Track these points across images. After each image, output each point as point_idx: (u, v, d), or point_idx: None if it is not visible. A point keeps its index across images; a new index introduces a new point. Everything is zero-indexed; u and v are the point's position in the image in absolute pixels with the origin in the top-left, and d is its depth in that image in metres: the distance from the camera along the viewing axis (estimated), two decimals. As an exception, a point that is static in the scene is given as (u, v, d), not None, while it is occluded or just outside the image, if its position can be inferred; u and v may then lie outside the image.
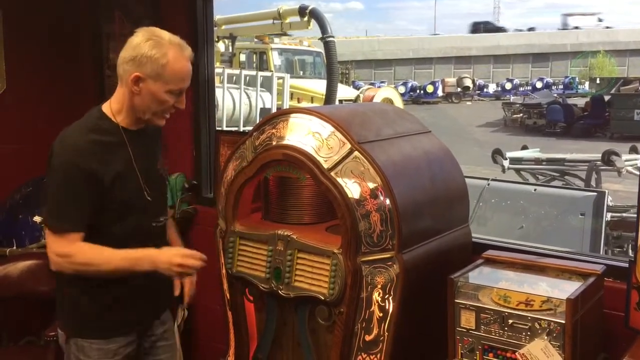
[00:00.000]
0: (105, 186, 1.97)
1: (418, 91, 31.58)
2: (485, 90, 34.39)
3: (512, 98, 27.89)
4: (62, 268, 1.99)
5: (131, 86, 1.97)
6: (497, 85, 34.91)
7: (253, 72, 12.31)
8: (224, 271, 2.37)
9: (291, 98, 13.35)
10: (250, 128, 2.34)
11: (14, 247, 3.35)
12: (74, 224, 1.97)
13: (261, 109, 11.58)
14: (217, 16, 12.62)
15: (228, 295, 2.39)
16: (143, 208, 2.08)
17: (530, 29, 50.56)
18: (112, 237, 2.01)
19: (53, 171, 1.98)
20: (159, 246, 2.08)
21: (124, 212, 2.04)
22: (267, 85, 11.95)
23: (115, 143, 2.02)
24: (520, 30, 50.80)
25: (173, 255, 2.01)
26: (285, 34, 14.71)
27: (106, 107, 2.06)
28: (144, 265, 2.00)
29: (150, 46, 1.94)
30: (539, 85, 33.30)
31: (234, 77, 11.77)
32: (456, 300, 1.92)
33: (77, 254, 1.96)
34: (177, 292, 2.20)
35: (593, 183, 6.65)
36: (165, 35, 1.99)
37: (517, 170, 7.25)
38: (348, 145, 2.02)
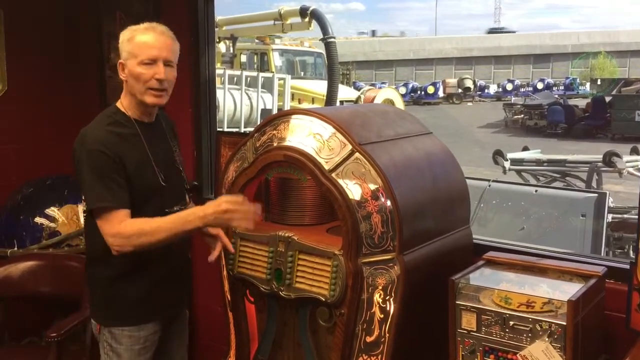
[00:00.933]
0: (128, 173, 2.05)
1: (419, 92, 31.58)
2: (486, 91, 34.38)
3: (513, 99, 27.86)
4: (121, 248, 2.02)
5: (120, 75, 2.11)
6: (498, 86, 34.91)
7: (254, 73, 12.30)
8: (225, 272, 2.37)
9: (292, 99, 13.34)
10: (251, 129, 2.35)
11: (15, 248, 3.35)
12: (116, 201, 2.02)
13: (262, 110, 11.57)
14: (218, 17, 12.63)
15: (229, 296, 2.39)
16: (160, 195, 2.15)
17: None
18: None
19: (80, 163, 2.04)
20: None
21: (143, 198, 2.10)
22: (268, 86, 11.95)
23: (130, 134, 2.12)
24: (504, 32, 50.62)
25: (218, 204, 2.02)
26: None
27: (119, 103, 2.17)
28: (195, 222, 2.03)
29: (123, 34, 2.12)
30: (540, 86, 33.30)
31: (235, 78, 11.76)
32: (457, 302, 1.92)
33: (126, 228, 2.00)
34: (214, 256, 2.22)
35: (594, 184, 6.66)
36: (144, 23, 2.13)
37: (518, 172, 7.25)
38: (349, 147, 2.02)
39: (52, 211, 3.43)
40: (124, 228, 2.01)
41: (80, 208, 3.45)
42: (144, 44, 2.08)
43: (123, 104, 2.16)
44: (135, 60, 2.07)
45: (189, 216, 2.04)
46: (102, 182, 2.01)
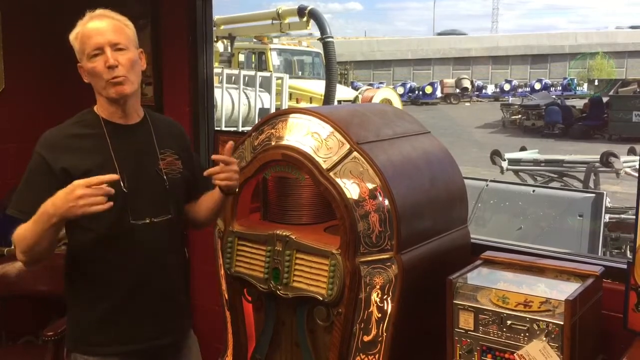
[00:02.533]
0: (71, 178, 1.78)
1: (417, 92, 31.57)
2: (483, 91, 34.39)
3: (511, 99, 27.88)
4: (19, 258, 1.88)
5: (84, 79, 1.98)
6: (496, 87, 34.93)
7: (252, 73, 12.30)
8: (222, 271, 2.37)
9: (290, 98, 13.34)
10: (249, 128, 2.34)
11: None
12: (25, 212, 1.82)
13: (260, 109, 11.58)
14: (216, 16, 12.62)
15: (226, 295, 2.39)
16: (120, 203, 1.85)
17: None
18: (88, 234, 1.89)
19: (30, 162, 1.94)
20: (148, 252, 1.93)
21: None
22: (266, 85, 11.95)
23: (93, 134, 1.93)
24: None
25: (70, 190, 1.69)
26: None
27: (95, 106, 2.03)
28: (46, 217, 1.73)
29: (71, 34, 1.96)
30: (537, 86, 33.32)
31: (233, 77, 11.76)
32: (455, 301, 1.92)
33: (14, 237, 1.86)
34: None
35: (591, 184, 6.67)
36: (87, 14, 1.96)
37: (516, 172, 7.26)
38: (347, 146, 2.02)
39: (50, 210, 3.41)
40: (14, 237, 1.85)
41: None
42: (86, 37, 1.90)
43: (97, 106, 2.01)
44: (85, 57, 1.90)
45: (43, 214, 1.74)
46: (26, 189, 1.90)
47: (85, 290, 1.95)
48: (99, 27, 1.90)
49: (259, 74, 12.17)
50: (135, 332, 1.97)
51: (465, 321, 1.90)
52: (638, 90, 21.25)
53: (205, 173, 1.97)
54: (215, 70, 9.54)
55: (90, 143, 1.92)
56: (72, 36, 1.94)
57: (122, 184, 1.87)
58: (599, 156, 6.83)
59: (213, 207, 2.08)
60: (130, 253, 1.91)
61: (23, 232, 1.82)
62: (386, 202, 1.94)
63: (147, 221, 1.94)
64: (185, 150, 2.12)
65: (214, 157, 1.96)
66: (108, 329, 1.95)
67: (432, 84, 31.96)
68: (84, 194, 1.66)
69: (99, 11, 1.95)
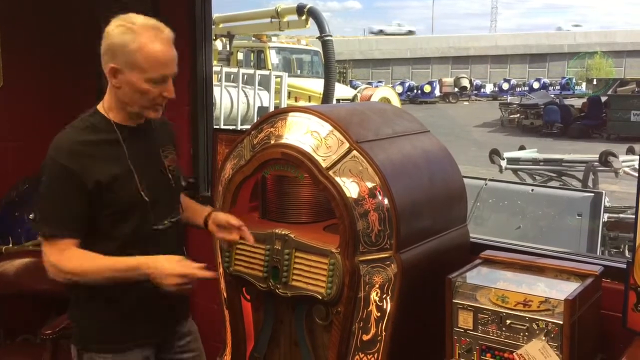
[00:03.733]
0: (99, 188, 1.83)
1: (415, 91, 31.58)
2: (482, 90, 34.40)
3: (510, 98, 27.87)
4: (56, 277, 1.85)
5: (110, 80, 1.85)
6: (495, 86, 34.93)
7: (251, 71, 12.29)
8: (221, 270, 2.36)
9: (289, 97, 13.34)
10: (248, 127, 2.33)
11: (10, 245, 3.34)
12: (64, 230, 1.83)
13: (259, 107, 11.57)
14: (215, 14, 12.60)
15: (225, 294, 2.39)
16: (141, 210, 1.91)
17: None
18: (111, 243, 1.88)
19: (43, 174, 1.87)
20: (166, 252, 1.91)
21: (120, 215, 1.89)
22: (264, 83, 11.94)
23: (109, 141, 1.88)
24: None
25: (169, 276, 1.80)
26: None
27: (100, 105, 1.94)
28: (139, 278, 1.82)
29: (120, 32, 1.81)
30: (536, 85, 33.33)
31: (232, 76, 11.75)
32: (454, 301, 1.92)
33: (64, 262, 1.82)
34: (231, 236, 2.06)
35: (590, 184, 6.67)
36: (138, 19, 1.84)
37: (515, 171, 7.26)
38: (346, 145, 2.02)
39: (48, 208, 3.41)
40: (61, 260, 1.82)
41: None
42: (154, 59, 1.80)
43: (105, 106, 1.92)
44: (142, 75, 1.81)
45: (132, 271, 1.82)
46: (55, 202, 1.83)
47: (105, 291, 1.91)
48: (169, 55, 1.85)
49: (258, 72, 12.16)
50: (151, 327, 2.03)
51: (465, 320, 1.90)
52: (637, 89, 21.26)
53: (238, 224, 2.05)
54: (214, 69, 9.53)
55: (108, 150, 1.88)
56: (132, 46, 1.80)
57: (141, 193, 1.90)
58: (597, 155, 6.83)
59: (190, 224, 2.19)
60: (151, 254, 1.88)
61: (97, 267, 1.83)
62: (385, 201, 1.94)
63: (166, 223, 2.00)
64: (175, 145, 2.15)
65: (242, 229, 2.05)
66: (126, 326, 1.98)
67: (430, 83, 31.95)
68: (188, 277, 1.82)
69: (165, 32, 1.86)
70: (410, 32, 49.70)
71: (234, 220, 2.06)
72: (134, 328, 1.99)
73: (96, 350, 1.97)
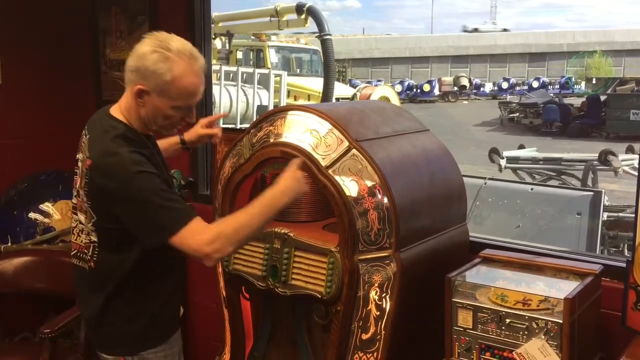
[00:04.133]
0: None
1: (415, 90, 31.57)
2: (481, 89, 34.39)
3: (509, 97, 27.86)
4: (221, 252, 1.78)
5: (135, 98, 1.84)
6: (494, 85, 34.91)
7: (250, 70, 12.29)
8: (220, 269, 2.36)
9: (288, 96, 13.33)
10: (247, 125, 2.32)
11: (9, 244, 3.34)
12: (191, 211, 1.80)
13: (258, 106, 11.56)
14: (215, 13, 12.59)
15: (224, 293, 2.38)
16: None
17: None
18: (142, 251, 1.87)
19: (127, 192, 1.77)
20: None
21: None
22: (264, 82, 11.93)
23: (148, 152, 1.89)
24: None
25: (292, 174, 1.87)
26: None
27: (118, 112, 1.90)
28: (282, 200, 1.84)
29: (156, 59, 1.79)
30: (535, 84, 33.32)
31: (231, 75, 11.74)
32: (453, 299, 1.92)
33: (224, 228, 1.79)
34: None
35: (589, 183, 6.67)
36: (175, 45, 1.82)
37: (514, 170, 7.26)
38: (346, 143, 2.01)
39: (47, 206, 3.40)
40: (219, 228, 1.79)
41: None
42: (185, 90, 1.83)
43: (125, 116, 1.89)
44: (171, 103, 1.83)
45: (274, 197, 1.84)
46: (168, 201, 1.78)
47: (143, 289, 1.94)
48: (200, 87, 1.89)
49: (257, 71, 12.15)
50: (179, 305, 2.18)
51: (464, 319, 1.89)
52: (636, 88, 21.30)
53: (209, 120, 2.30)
54: (214, 68, 9.52)
55: (151, 157, 1.88)
56: (166, 72, 1.80)
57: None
58: (597, 154, 6.83)
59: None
60: (169, 254, 1.88)
61: (250, 219, 1.81)
62: (385, 199, 1.93)
63: None
64: None
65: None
66: (168, 311, 2.04)
67: (430, 82, 31.95)
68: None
69: (200, 62, 1.88)
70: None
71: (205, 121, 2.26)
72: (171, 312, 2.06)
73: (147, 347, 1.97)
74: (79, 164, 1.94)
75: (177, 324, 2.09)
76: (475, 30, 49.92)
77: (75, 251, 2.01)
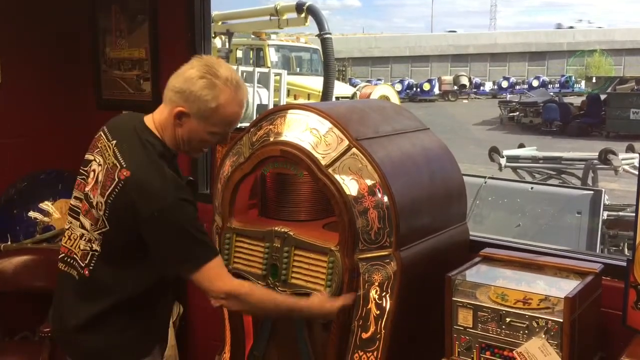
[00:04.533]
0: None
1: (415, 89, 31.56)
2: (481, 88, 34.37)
3: (509, 96, 27.84)
4: (229, 308, 1.97)
5: (174, 119, 1.84)
6: (494, 84, 34.89)
7: (250, 69, 12.27)
8: (220, 268, 2.35)
9: (288, 95, 13.32)
10: (247, 124, 2.32)
11: (9, 243, 3.33)
12: (215, 248, 1.93)
13: (258, 105, 11.54)
14: (215, 12, 12.58)
15: (224, 292, 2.38)
16: None
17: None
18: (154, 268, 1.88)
19: (166, 217, 1.76)
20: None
21: None
22: (264, 81, 11.92)
23: (175, 170, 1.89)
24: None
25: (332, 308, 1.97)
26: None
27: (151, 123, 1.89)
28: (303, 317, 2.09)
29: (203, 85, 1.79)
30: (535, 83, 33.30)
31: (231, 74, 11.72)
32: (453, 298, 1.92)
33: (250, 294, 1.89)
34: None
35: (590, 182, 6.67)
36: (223, 73, 1.81)
37: (514, 169, 7.25)
38: (346, 142, 2.01)
39: (46, 205, 3.40)
40: (244, 290, 1.88)
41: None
42: (227, 119, 1.84)
43: (159, 131, 1.87)
44: (209, 129, 1.84)
45: (300, 312, 2.02)
46: (201, 234, 1.81)
47: (156, 304, 1.98)
48: (240, 116, 1.89)
49: (257, 70, 12.14)
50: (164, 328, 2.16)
51: (464, 318, 1.89)
52: (636, 87, 21.29)
53: None
54: (213, 67, 9.48)
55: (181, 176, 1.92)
56: (212, 100, 1.79)
57: None
58: (597, 153, 6.82)
59: None
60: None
61: (270, 305, 1.95)
62: (385, 198, 1.93)
63: None
64: None
65: None
66: (156, 334, 2.06)
67: (430, 81, 31.94)
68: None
69: (244, 90, 1.87)
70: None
71: None
72: (156, 326, 2.06)
73: (143, 355, 1.97)
74: (94, 167, 1.88)
75: (161, 338, 2.11)
76: (571, 27, 49.90)
77: (64, 255, 1.96)
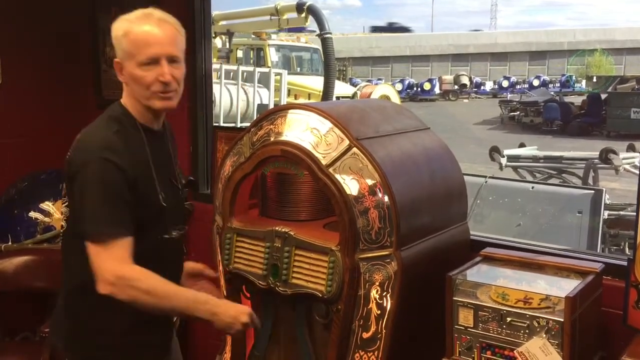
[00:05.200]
0: (134, 187, 1.76)
1: (415, 88, 31.57)
2: (482, 88, 34.38)
3: (509, 96, 27.88)
4: (116, 292, 1.68)
5: (119, 76, 1.82)
6: (494, 83, 34.91)
7: (250, 68, 12.28)
8: (220, 268, 2.35)
9: (288, 94, 13.32)
10: (247, 124, 2.32)
11: (9, 243, 3.34)
12: (122, 228, 1.71)
13: (258, 105, 11.55)
14: (215, 12, 12.58)
15: (225, 291, 2.38)
16: (159, 219, 1.87)
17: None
18: (135, 250, 1.75)
19: (84, 175, 1.70)
20: (175, 263, 1.92)
21: (142, 223, 1.80)
22: (264, 81, 11.92)
23: (137, 143, 1.82)
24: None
25: (241, 313, 1.83)
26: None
27: (123, 100, 1.88)
28: (203, 314, 1.77)
29: (115, 26, 1.79)
30: (536, 83, 33.32)
31: (232, 73, 11.73)
32: (454, 298, 1.92)
33: (142, 279, 1.70)
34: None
35: (590, 181, 6.67)
36: (138, 11, 1.79)
37: (515, 168, 7.25)
38: (346, 142, 2.01)
39: (47, 206, 3.40)
40: (139, 277, 1.70)
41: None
42: (141, 41, 1.75)
43: (127, 104, 1.85)
44: (134, 61, 1.76)
45: (202, 305, 1.77)
46: (111, 202, 1.70)
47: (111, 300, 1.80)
48: (157, 34, 1.77)
49: (258, 69, 12.14)
50: (151, 337, 1.97)
51: (465, 318, 1.89)
52: (636, 87, 21.33)
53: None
54: (214, 66, 9.50)
55: (137, 152, 1.81)
56: (119, 32, 1.77)
57: (160, 198, 1.85)
58: (598, 153, 6.83)
59: None
60: (157, 266, 1.77)
61: (166, 293, 1.74)
62: (386, 198, 1.93)
63: (175, 234, 1.94)
64: (176, 151, 2.13)
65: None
66: (140, 334, 1.91)
67: (430, 81, 31.95)
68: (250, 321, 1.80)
69: (156, 14, 1.80)
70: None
71: (208, 271, 2.14)
72: (143, 337, 1.93)
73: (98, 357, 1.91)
74: None
75: (146, 351, 1.95)
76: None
77: None
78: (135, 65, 1.77)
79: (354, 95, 15.72)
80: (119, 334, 1.88)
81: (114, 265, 1.68)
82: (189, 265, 2.15)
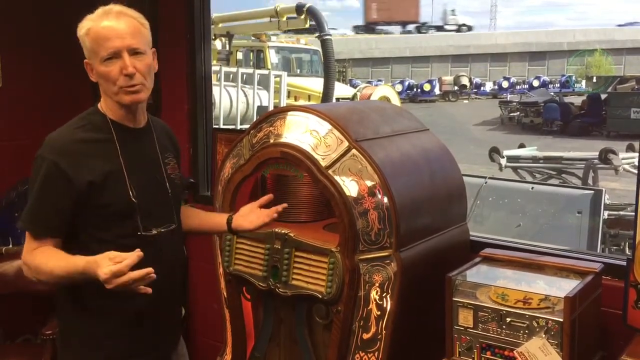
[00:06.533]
0: (90, 188, 1.77)
1: (415, 89, 31.59)
2: (482, 88, 34.39)
3: (509, 96, 27.85)
4: (25, 273, 1.82)
5: (90, 77, 1.86)
6: (494, 84, 34.90)
7: (250, 70, 12.28)
8: (221, 270, 2.36)
9: (288, 96, 13.32)
10: (247, 126, 2.32)
11: (10, 245, 3.34)
12: (45, 228, 1.79)
13: (258, 106, 11.55)
14: (214, 14, 12.58)
15: (225, 293, 2.38)
16: (129, 214, 1.83)
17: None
18: (101, 248, 1.71)
19: (34, 168, 1.81)
20: (168, 262, 1.88)
21: (111, 217, 1.82)
22: (264, 83, 11.93)
23: (103, 139, 1.83)
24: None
25: (101, 273, 1.61)
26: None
27: (100, 104, 1.90)
28: (81, 281, 1.72)
29: (79, 26, 1.83)
30: (535, 83, 33.32)
31: (231, 75, 11.74)
32: (454, 299, 1.92)
33: (31, 261, 1.79)
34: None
35: (590, 181, 6.67)
36: (99, 8, 1.81)
37: (515, 169, 7.26)
38: (346, 143, 2.02)
39: (47, 208, 3.40)
40: (31, 258, 1.79)
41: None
42: (101, 37, 1.76)
43: (102, 105, 1.88)
44: (98, 58, 1.78)
45: (79, 275, 1.70)
46: (40, 199, 1.78)
47: (95, 302, 1.84)
48: (116, 27, 1.77)
49: (257, 71, 12.14)
50: (139, 345, 1.93)
51: (465, 318, 1.89)
52: (636, 87, 21.32)
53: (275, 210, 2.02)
54: (214, 68, 9.50)
55: (100, 149, 1.82)
56: (82, 31, 1.81)
57: (130, 194, 1.82)
58: (597, 153, 6.83)
59: (206, 229, 2.18)
60: (143, 263, 1.66)
61: (50, 268, 1.76)
62: (385, 199, 1.93)
63: (155, 232, 1.88)
64: (178, 153, 2.11)
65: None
66: (116, 341, 1.88)
67: (430, 82, 31.96)
68: (113, 272, 1.59)
69: (115, 8, 1.80)
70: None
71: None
72: (121, 343, 1.89)
73: None
74: None
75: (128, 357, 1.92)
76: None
77: None
78: (100, 62, 1.79)
79: (354, 96, 15.71)
80: (104, 337, 1.88)
81: (25, 253, 1.82)
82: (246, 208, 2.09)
